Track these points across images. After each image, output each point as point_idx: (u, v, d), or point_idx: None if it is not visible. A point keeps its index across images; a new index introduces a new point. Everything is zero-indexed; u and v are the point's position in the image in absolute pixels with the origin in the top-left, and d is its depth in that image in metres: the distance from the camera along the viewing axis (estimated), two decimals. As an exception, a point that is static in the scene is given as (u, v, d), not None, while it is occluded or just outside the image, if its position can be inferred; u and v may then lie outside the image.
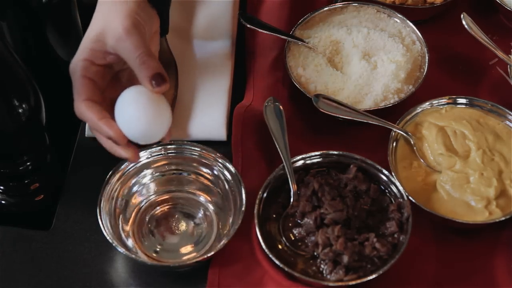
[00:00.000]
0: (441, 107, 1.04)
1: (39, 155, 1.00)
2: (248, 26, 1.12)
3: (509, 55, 1.08)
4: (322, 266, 0.91)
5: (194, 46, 1.12)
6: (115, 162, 0.96)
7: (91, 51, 0.86)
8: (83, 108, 0.85)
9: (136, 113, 0.83)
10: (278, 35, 1.11)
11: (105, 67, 0.87)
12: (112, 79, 0.89)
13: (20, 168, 0.98)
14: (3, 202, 1.01)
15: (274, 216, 0.96)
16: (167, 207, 0.99)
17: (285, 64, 1.08)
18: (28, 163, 0.98)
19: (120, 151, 0.86)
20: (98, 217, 0.92)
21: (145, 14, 0.88)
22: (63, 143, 1.05)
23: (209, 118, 1.05)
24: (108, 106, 0.86)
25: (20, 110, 0.91)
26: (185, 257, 0.94)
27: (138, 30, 0.85)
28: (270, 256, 0.90)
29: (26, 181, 1.00)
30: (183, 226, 0.97)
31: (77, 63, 0.86)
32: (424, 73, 1.06)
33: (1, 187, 1.00)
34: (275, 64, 1.12)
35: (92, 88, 0.86)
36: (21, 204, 1.02)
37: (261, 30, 1.12)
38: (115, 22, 0.85)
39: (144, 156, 0.98)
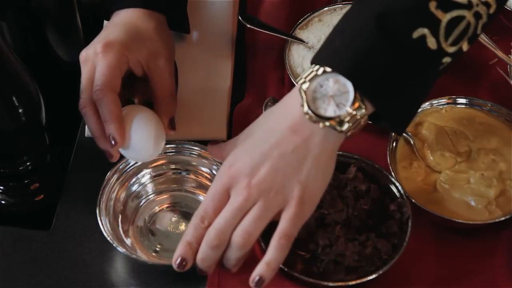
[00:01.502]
0: (441, 107, 1.04)
1: (39, 155, 0.99)
2: (248, 26, 1.12)
3: (509, 55, 1.08)
4: (322, 266, 0.91)
5: (194, 46, 1.12)
6: (115, 162, 0.96)
7: (130, 52, 0.91)
8: (110, 97, 0.88)
9: (137, 133, 0.91)
10: (278, 35, 1.11)
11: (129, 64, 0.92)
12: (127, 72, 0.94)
13: (20, 168, 0.98)
14: (3, 202, 1.01)
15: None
16: (166, 206, 0.99)
17: (285, 64, 1.08)
18: (28, 163, 0.98)
19: (105, 144, 0.90)
20: (98, 217, 0.92)
21: (172, 41, 0.99)
22: (63, 143, 1.05)
23: (209, 118, 1.05)
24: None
25: (20, 110, 0.91)
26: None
27: (171, 66, 0.95)
28: (270, 256, 0.90)
29: (26, 181, 1.00)
30: (182, 225, 0.97)
31: (110, 50, 0.90)
32: (424, 73, 1.06)
33: (1, 187, 1.00)
34: (275, 64, 1.12)
35: (119, 79, 0.90)
36: (21, 204, 1.01)
37: (261, 30, 1.12)
38: (162, 52, 0.94)
39: None
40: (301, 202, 0.80)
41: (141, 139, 0.91)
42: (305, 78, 0.80)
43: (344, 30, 0.82)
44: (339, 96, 0.79)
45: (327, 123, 0.79)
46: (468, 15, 0.79)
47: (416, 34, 0.78)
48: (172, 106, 0.95)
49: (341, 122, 0.79)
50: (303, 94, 0.79)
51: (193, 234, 0.83)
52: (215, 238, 0.81)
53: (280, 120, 0.81)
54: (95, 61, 0.91)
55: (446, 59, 0.81)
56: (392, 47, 0.78)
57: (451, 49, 0.80)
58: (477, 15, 0.80)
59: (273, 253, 0.81)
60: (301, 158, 0.80)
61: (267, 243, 0.91)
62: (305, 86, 0.79)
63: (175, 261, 0.83)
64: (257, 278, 0.81)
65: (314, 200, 0.82)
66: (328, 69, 0.79)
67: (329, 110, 0.79)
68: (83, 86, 0.91)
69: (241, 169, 0.80)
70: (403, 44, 0.78)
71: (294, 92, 0.81)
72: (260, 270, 0.81)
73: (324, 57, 0.80)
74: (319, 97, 0.79)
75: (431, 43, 0.79)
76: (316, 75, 0.79)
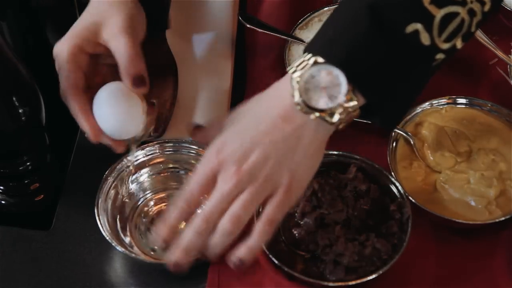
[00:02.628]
0: (441, 107, 1.04)
1: (39, 155, 0.99)
2: (248, 26, 1.12)
3: (509, 55, 1.08)
4: (322, 266, 0.91)
5: (194, 46, 1.12)
6: (115, 162, 0.96)
7: (82, 39, 0.87)
8: (69, 94, 0.87)
9: (110, 109, 0.87)
10: (278, 35, 1.11)
11: (91, 57, 0.89)
12: (95, 70, 0.91)
13: (20, 168, 0.98)
14: (3, 202, 1.01)
15: (274, 216, 0.96)
16: (165, 205, 0.99)
17: (285, 64, 1.08)
18: (28, 163, 0.98)
19: (83, 122, 0.89)
20: (96, 216, 0.92)
21: (141, 17, 0.90)
22: (63, 143, 1.05)
23: (209, 118, 1.05)
24: (89, 96, 0.89)
25: (20, 110, 0.91)
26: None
27: (133, 31, 0.88)
28: (270, 256, 0.90)
29: (26, 181, 1.00)
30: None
31: (66, 47, 0.87)
32: (424, 73, 1.06)
33: (1, 187, 1.00)
34: (275, 64, 1.12)
35: (80, 75, 0.88)
36: (21, 204, 1.01)
37: (261, 30, 1.12)
38: (113, 18, 0.88)
39: (141, 154, 0.99)
40: (289, 190, 0.81)
41: (115, 114, 0.89)
42: (297, 67, 0.79)
43: (337, 20, 0.81)
44: (331, 88, 0.78)
45: (318, 114, 0.79)
46: (462, 11, 0.79)
47: (409, 28, 0.78)
48: (133, 67, 0.88)
49: (332, 114, 0.79)
50: (295, 83, 0.79)
51: (178, 218, 0.82)
52: (203, 223, 0.80)
53: (270, 107, 0.81)
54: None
55: (440, 56, 0.80)
56: (385, 41, 0.78)
57: (445, 46, 0.80)
58: (472, 12, 0.80)
59: (256, 237, 0.81)
60: (292, 147, 0.80)
61: (267, 243, 0.91)
62: (296, 75, 0.79)
63: (158, 243, 0.83)
64: (237, 260, 0.81)
65: (301, 188, 0.83)
66: (320, 60, 0.78)
67: (321, 102, 0.79)
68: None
69: (231, 155, 0.80)
70: (396, 38, 0.78)
71: (285, 80, 0.81)
72: (241, 252, 0.81)
73: (316, 47, 0.80)
74: (311, 88, 0.79)
75: (424, 38, 0.78)
76: (307, 65, 0.79)
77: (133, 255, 0.91)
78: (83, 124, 0.88)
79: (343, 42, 0.78)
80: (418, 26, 0.78)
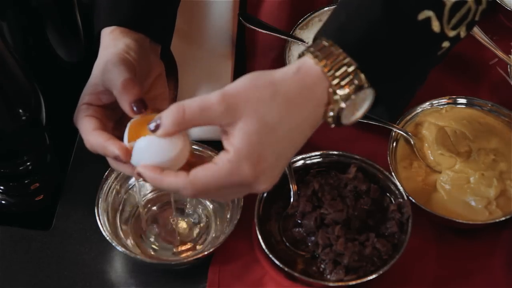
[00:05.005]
0: (441, 107, 1.04)
1: (39, 155, 0.99)
2: (248, 26, 1.12)
3: (509, 55, 1.08)
4: (322, 266, 0.91)
5: (193, 46, 1.12)
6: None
7: (88, 96, 0.85)
8: (90, 139, 0.82)
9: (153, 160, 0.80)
10: (278, 35, 1.11)
11: (106, 109, 0.86)
12: (117, 122, 0.87)
13: (20, 168, 0.98)
14: (3, 202, 1.01)
15: (274, 216, 0.96)
16: (165, 205, 0.99)
17: (285, 64, 1.08)
18: (28, 163, 0.98)
19: (125, 168, 0.83)
20: (97, 216, 0.92)
21: (140, 54, 0.87)
22: (63, 143, 1.05)
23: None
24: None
25: (20, 110, 0.91)
26: (184, 255, 0.94)
27: (124, 64, 0.84)
28: (270, 256, 0.90)
29: (26, 181, 1.00)
30: (181, 223, 0.97)
31: (78, 110, 0.85)
32: (424, 73, 1.06)
33: (1, 187, 1.00)
34: (275, 64, 1.12)
35: (97, 122, 0.84)
36: (21, 204, 1.01)
37: (261, 30, 1.12)
38: (105, 61, 0.85)
39: None
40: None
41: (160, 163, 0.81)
42: (339, 77, 0.76)
43: (349, 5, 0.81)
44: (360, 104, 0.78)
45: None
46: (470, 0, 0.80)
47: (421, 16, 0.78)
48: (127, 93, 0.82)
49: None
50: (336, 103, 0.76)
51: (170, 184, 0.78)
52: (190, 194, 0.77)
53: (304, 119, 0.77)
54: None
55: (445, 44, 0.81)
56: (398, 28, 0.78)
57: (451, 33, 0.80)
58: (478, 1, 0.81)
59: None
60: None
61: (267, 243, 0.91)
62: (340, 93, 0.76)
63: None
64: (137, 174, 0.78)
65: None
66: (364, 79, 0.77)
67: (352, 119, 0.78)
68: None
69: (267, 172, 0.76)
70: (408, 25, 0.78)
71: (321, 87, 0.76)
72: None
73: (329, 31, 0.79)
74: (349, 107, 0.77)
75: (435, 26, 0.79)
76: (352, 83, 0.76)
77: (133, 255, 0.91)
78: (114, 151, 0.80)
79: (355, 28, 0.77)
80: (430, 13, 0.78)
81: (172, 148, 0.77)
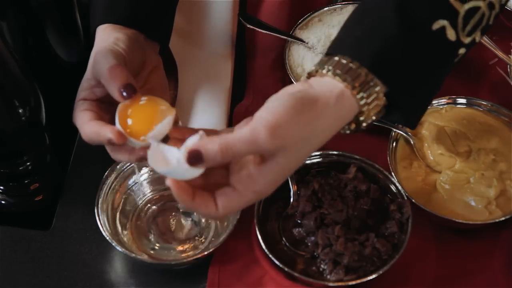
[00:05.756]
0: (441, 107, 1.04)
1: (39, 155, 0.99)
2: (248, 26, 1.12)
3: (509, 55, 1.08)
4: (322, 266, 0.91)
5: (193, 46, 1.12)
6: (113, 161, 0.96)
7: (83, 92, 0.85)
8: (85, 130, 0.83)
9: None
10: (278, 35, 1.11)
11: (101, 103, 0.86)
12: (114, 116, 0.85)
13: (20, 168, 0.98)
14: (3, 202, 1.01)
15: (274, 216, 0.96)
16: (165, 205, 0.99)
17: (285, 64, 1.08)
18: (28, 163, 0.98)
19: (123, 155, 0.83)
20: (96, 216, 0.92)
21: (130, 46, 0.87)
22: (63, 143, 1.05)
23: (209, 118, 1.05)
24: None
25: (20, 110, 0.91)
26: (184, 255, 0.94)
27: (112, 54, 0.84)
28: (270, 256, 0.90)
29: (26, 181, 1.00)
30: (181, 223, 0.97)
31: (76, 105, 0.85)
32: (424, 73, 1.06)
33: (1, 187, 1.00)
34: (275, 64, 1.12)
35: (92, 114, 0.84)
36: (21, 204, 1.01)
37: (261, 30, 1.12)
38: (95, 55, 0.85)
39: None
40: None
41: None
42: (367, 98, 0.77)
43: (363, 20, 0.81)
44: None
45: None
46: (483, 5, 0.80)
47: (435, 25, 0.78)
48: (115, 78, 0.82)
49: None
50: (362, 122, 0.79)
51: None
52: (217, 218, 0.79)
53: (328, 137, 0.78)
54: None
55: (462, 51, 0.81)
56: (414, 39, 0.79)
57: (467, 40, 0.81)
58: (491, 6, 0.81)
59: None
60: None
61: (267, 243, 0.91)
62: (366, 118, 0.78)
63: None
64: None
65: None
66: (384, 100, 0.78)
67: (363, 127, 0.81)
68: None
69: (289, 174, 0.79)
70: (424, 36, 0.79)
71: (349, 108, 0.78)
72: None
73: (344, 47, 0.80)
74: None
75: (451, 34, 0.79)
76: (379, 109, 0.78)
77: (133, 255, 0.91)
78: (107, 134, 0.80)
79: (372, 42, 0.78)
80: (445, 22, 0.79)
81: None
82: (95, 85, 0.85)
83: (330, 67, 0.77)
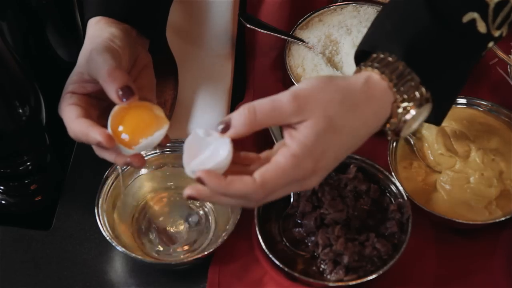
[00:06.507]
0: (441, 107, 1.04)
1: (39, 155, 0.99)
2: (248, 26, 1.12)
3: (509, 55, 1.08)
4: (322, 266, 0.91)
5: (193, 46, 1.12)
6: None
7: (73, 85, 0.85)
8: (73, 127, 0.82)
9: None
10: (278, 35, 1.11)
11: (91, 98, 0.85)
12: (103, 112, 0.86)
13: (20, 168, 0.98)
14: (3, 202, 1.01)
15: (274, 216, 0.96)
16: (165, 205, 0.99)
17: (285, 64, 1.08)
18: (28, 163, 0.98)
19: (109, 155, 0.83)
20: (97, 216, 0.92)
21: (125, 43, 0.87)
22: (63, 143, 1.05)
23: (209, 118, 1.05)
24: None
25: (20, 110, 0.91)
26: (184, 255, 0.94)
27: (109, 52, 0.84)
28: (270, 256, 0.90)
29: (26, 181, 1.00)
30: (181, 223, 0.97)
31: (62, 99, 0.85)
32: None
33: (1, 187, 1.00)
34: (275, 64, 1.12)
35: (80, 110, 0.83)
36: (21, 204, 1.02)
37: (261, 30, 1.12)
38: (90, 50, 0.84)
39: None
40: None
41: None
42: (405, 94, 0.78)
43: (393, 14, 0.82)
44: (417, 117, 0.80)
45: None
46: None
47: (466, 18, 0.79)
48: (114, 80, 0.81)
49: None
50: (400, 117, 0.79)
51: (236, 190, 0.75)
52: (260, 198, 0.75)
53: (367, 127, 0.79)
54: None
55: (491, 44, 0.82)
56: (444, 31, 0.79)
57: (497, 33, 0.81)
58: None
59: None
60: None
61: (267, 243, 0.91)
62: (407, 116, 0.79)
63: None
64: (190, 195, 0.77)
65: None
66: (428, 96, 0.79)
67: (407, 132, 0.81)
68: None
69: (326, 169, 0.78)
70: (454, 29, 0.79)
71: (386, 101, 0.78)
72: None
73: (375, 41, 0.80)
74: (410, 124, 0.80)
75: (481, 27, 0.80)
76: (417, 103, 0.78)
77: (133, 255, 0.91)
78: (96, 137, 0.80)
79: (403, 35, 0.79)
80: (475, 15, 0.79)
81: (224, 151, 0.76)
82: (87, 80, 0.85)
83: (370, 63, 0.79)
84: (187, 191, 0.76)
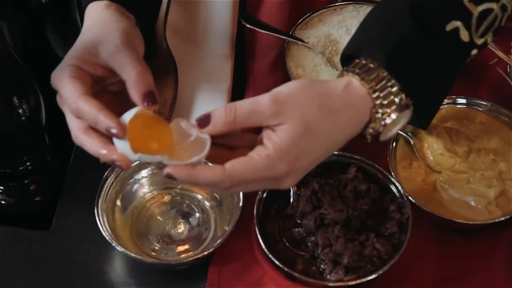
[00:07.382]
0: (441, 107, 1.04)
1: (39, 155, 1.00)
2: (248, 26, 1.12)
3: (509, 55, 1.08)
4: (322, 266, 0.91)
5: (193, 46, 1.12)
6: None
7: (80, 60, 0.82)
8: (81, 103, 0.78)
9: None
10: (278, 35, 1.11)
11: (93, 77, 0.83)
12: (100, 92, 0.85)
13: (20, 168, 0.98)
14: (3, 202, 1.01)
15: (274, 216, 0.96)
16: (164, 205, 0.99)
17: (285, 64, 1.08)
18: (28, 163, 0.98)
19: (112, 155, 0.80)
20: (96, 216, 0.92)
21: (137, 33, 0.87)
22: (63, 143, 1.04)
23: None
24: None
25: (20, 110, 0.91)
26: (184, 255, 0.94)
27: (133, 46, 0.84)
28: (270, 256, 0.90)
29: (26, 181, 1.00)
30: (180, 223, 0.97)
31: (63, 68, 0.81)
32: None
33: (1, 187, 1.00)
34: (275, 64, 1.12)
35: (85, 86, 0.81)
36: (21, 204, 1.02)
37: (261, 30, 1.12)
38: (111, 36, 0.83)
39: None
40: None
41: None
42: (380, 92, 0.78)
43: (377, 20, 0.82)
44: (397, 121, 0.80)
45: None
46: (496, 7, 0.82)
47: (449, 26, 0.80)
48: (143, 83, 0.81)
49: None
50: (377, 119, 0.79)
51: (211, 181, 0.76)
52: (227, 187, 0.76)
53: (344, 130, 0.80)
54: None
55: (474, 51, 0.83)
56: (427, 39, 0.79)
57: (480, 41, 0.82)
58: (504, 8, 0.83)
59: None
60: None
61: (267, 243, 0.91)
62: (381, 113, 0.79)
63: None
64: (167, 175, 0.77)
65: None
66: (407, 98, 0.79)
67: (389, 135, 0.82)
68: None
69: (300, 171, 0.79)
70: (438, 36, 0.80)
71: (363, 103, 0.79)
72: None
73: (358, 46, 0.81)
74: (389, 127, 0.80)
75: (464, 35, 0.80)
76: (394, 104, 0.79)
77: (133, 255, 0.91)
78: (108, 124, 0.77)
79: (386, 41, 0.79)
80: (458, 23, 0.80)
81: (202, 147, 0.77)
82: (99, 64, 0.82)
83: (352, 68, 0.80)
84: (166, 170, 0.77)
